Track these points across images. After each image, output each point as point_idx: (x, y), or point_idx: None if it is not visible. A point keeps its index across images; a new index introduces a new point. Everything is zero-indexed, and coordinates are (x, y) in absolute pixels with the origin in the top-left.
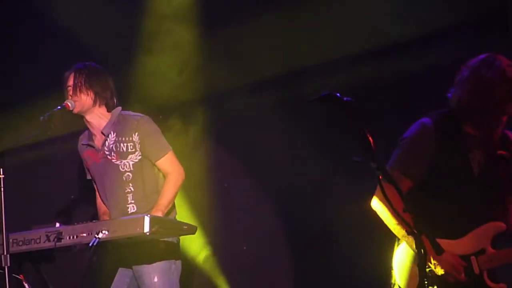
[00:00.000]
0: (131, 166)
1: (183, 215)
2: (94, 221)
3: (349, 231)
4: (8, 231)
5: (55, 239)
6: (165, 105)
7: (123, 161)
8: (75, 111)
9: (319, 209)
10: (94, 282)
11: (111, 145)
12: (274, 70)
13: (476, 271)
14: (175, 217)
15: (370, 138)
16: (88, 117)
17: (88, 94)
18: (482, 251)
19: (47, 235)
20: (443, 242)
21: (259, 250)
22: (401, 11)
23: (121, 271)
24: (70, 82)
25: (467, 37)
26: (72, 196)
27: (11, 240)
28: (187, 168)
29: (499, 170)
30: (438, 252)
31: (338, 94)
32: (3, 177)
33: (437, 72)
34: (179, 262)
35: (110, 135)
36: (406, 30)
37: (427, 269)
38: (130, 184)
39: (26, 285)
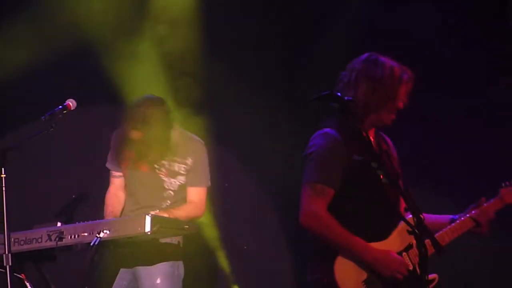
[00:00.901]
0: (176, 186)
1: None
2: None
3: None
4: (10, 230)
5: (57, 239)
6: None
7: (171, 179)
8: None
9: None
10: (95, 282)
11: (164, 162)
12: (275, 68)
13: (410, 266)
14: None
15: (370, 138)
16: None
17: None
18: (410, 246)
19: (48, 235)
20: (373, 245)
21: (260, 249)
22: None
23: (122, 271)
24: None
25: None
26: (74, 196)
27: (12, 239)
28: None
29: (393, 164)
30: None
31: (338, 94)
32: (4, 177)
33: None
34: (181, 264)
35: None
36: None
37: (366, 278)
38: (168, 201)
39: (27, 284)
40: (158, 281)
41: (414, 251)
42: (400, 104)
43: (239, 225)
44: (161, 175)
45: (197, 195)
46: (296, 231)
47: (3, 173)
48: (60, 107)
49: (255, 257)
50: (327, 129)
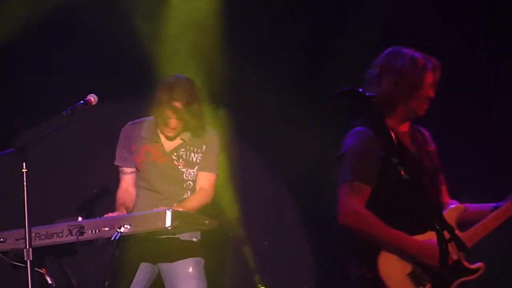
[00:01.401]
0: (194, 176)
1: (204, 210)
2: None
3: None
4: (31, 225)
5: (77, 233)
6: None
7: (189, 170)
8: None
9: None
10: (116, 277)
11: (182, 152)
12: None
13: (455, 256)
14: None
15: (392, 134)
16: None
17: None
18: (450, 239)
19: (69, 229)
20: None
21: (281, 245)
22: None
23: (143, 266)
24: (182, 105)
25: None
26: (95, 190)
27: (33, 234)
28: None
29: (433, 159)
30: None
31: (360, 89)
32: (26, 171)
33: None
34: (202, 260)
35: (184, 142)
36: None
37: (411, 271)
38: (189, 192)
39: (48, 278)
40: (191, 269)
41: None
42: (430, 93)
43: (260, 219)
44: (179, 166)
45: (207, 180)
46: (318, 224)
47: (24, 168)
48: (82, 102)
49: (275, 253)
50: (358, 128)
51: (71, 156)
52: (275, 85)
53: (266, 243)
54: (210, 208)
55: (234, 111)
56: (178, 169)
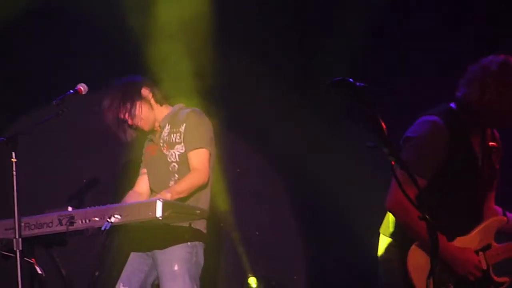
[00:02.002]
0: (177, 156)
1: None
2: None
3: (363, 216)
4: (20, 215)
5: (67, 223)
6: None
7: (171, 151)
8: (147, 129)
9: (332, 194)
10: (106, 267)
11: (165, 137)
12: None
13: (484, 266)
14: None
15: (382, 124)
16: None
17: (140, 109)
18: (488, 246)
19: (59, 219)
20: (456, 240)
21: (271, 235)
22: None
23: (134, 256)
24: (118, 113)
25: None
26: (85, 180)
27: (23, 224)
28: None
29: (493, 161)
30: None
31: (351, 80)
32: (15, 161)
33: None
34: (199, 246)
35: (165, 127)
36: None
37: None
38: (176, 175)
39: (37, 268)
40: (176, 267)
41: (492, 251)
42: None
43: (251, 210)
44: (164, 150)
45: (197, 157)
46: (309, 215)
47: (14, 157)
48: (72, 91)
49: (266, 243)
50: (435, 118)
51: (61, 145)
52: (270, 74)
53: (257, 233)
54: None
55: (225, 103)
56: (163, 153)
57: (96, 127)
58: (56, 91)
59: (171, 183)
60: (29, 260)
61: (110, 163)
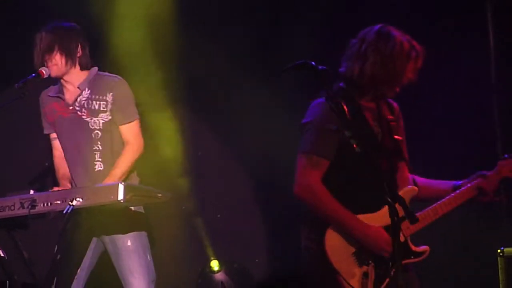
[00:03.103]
0: (101, 124)
1: (155, 183)
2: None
3: None
4: None
5: (29, 206)
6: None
7: (94, 118)
8: (53, 75)
9: (293, 176)
10: (68, 250)
11: (83, 102)
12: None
13: (402, 238)
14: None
15: (344, 107)
16: (66, 77)
17: (61, 56)
18: (402, 218)
19: (21, 202)
20: (364, 217)
21: (233, 218)
22: None
23: (93, 240)
24: (42, 44)
25: None
26: (47, 164)
27: None
28: (160, 136)
29: (394, 134)
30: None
31: (313, 63)
32: None
33: None
34: (145, 234)
35: (84, 91)
36: None
37: (356, 250)
38: (99, 143)
39: (0, 252)
40: (129, 243)
41: (406, 223)
42: (405, 80)
43: (213, 193)
44: (83, 116)
45: (130, 131)
46: (270, 198)
47: None
48: (33, 75)
49: (228, 226)
50: (322, 99)
51: (23, 128)
52: (233, 56)
53: (219, 215)
54: (163, 181)
55: (186, 82)
56: (82, 119)
57: None
58: (17, 75)
59: (95, 151)
60: None
61: None
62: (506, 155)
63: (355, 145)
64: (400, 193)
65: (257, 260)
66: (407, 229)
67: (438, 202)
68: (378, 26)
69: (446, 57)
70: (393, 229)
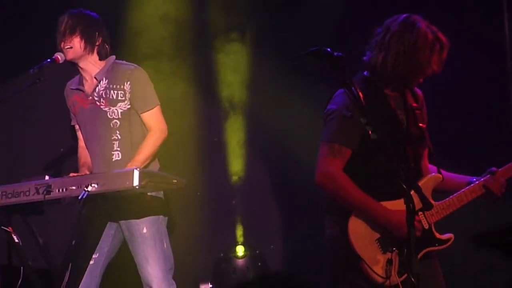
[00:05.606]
0: (119, 114)
1: (172, 169)
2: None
3: None
4: None
5: (44, 192)
6: (153, 58)
7: (112, 108)
8: (68, 58)
9: (310, 163)
10: (83, 235)
11: (101, 92)
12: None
13: (426, 225)
14: (158, 170)
15: (360, 94)
16: (82, 64)
17: (81, 40)
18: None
19: (36, 188)
20: (389, 204)
21: (248, 204)
22: None
23: (109, 224)
24: (65, 26)
25: None
26: (62, 149)
27: (0, 193)
28: (175, 121)
29: (419, 122)
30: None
31: (328, 49)
32: None
33: None
34: (165, 219)
35: (102, 81)
36: None
37: (379, 237)
38: (117, 132)
39: (14, 237)
40: (145, 230)
41: (431, 210)
42: (429, 71)
43: (228, 179)
44: (102, 106)
45: (152, 118)
46: (286, 184)
47: None
48: (49, 60)
49: (244, 211)
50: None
51: (39, 114)
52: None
53: (233, 202)
54: (178, 167)
55: (201, 69)
56: (101, 109)
57: None
58: (34, 60)
59: (113, 141)
60: (5, 228)
61: None
62: None
63: (370, 132)
64: (424, 180)
65: (272, 247)
66: (431, 216)
67: (452, 195)
68: (404, 15)
69: (460, 47)
70: (408, 215)
